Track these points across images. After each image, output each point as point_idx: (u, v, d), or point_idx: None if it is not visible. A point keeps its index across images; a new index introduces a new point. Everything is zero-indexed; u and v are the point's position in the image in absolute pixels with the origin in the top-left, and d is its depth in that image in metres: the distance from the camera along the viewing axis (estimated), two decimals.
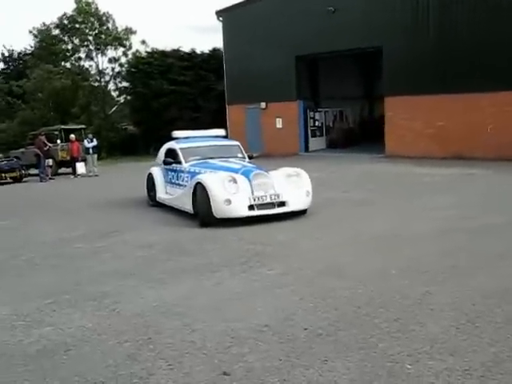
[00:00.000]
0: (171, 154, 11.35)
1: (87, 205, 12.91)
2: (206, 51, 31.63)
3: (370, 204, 10.90)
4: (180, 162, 10.89)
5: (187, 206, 9.84)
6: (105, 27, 35.30)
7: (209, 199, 8.98)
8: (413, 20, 20.16)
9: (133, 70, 30.91)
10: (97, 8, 35.63)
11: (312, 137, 25.73)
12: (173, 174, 11.17)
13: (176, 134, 11.96)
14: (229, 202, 8.94)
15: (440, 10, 19.52)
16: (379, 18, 20.70)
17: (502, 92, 18.21)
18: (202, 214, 9.23)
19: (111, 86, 38.12)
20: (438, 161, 18.60)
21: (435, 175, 15.38)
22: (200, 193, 9.19)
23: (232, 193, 9.01)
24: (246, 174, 9.45)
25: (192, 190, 9.51)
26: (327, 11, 21.58)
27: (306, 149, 25.09)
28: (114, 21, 36.17)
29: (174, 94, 29.25)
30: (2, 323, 5.08)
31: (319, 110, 26.16)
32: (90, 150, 21.44)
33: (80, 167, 21.92)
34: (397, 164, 18.73)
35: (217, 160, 10.67)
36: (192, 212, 9.68)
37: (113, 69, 37.50)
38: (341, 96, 26.87)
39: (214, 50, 31.26)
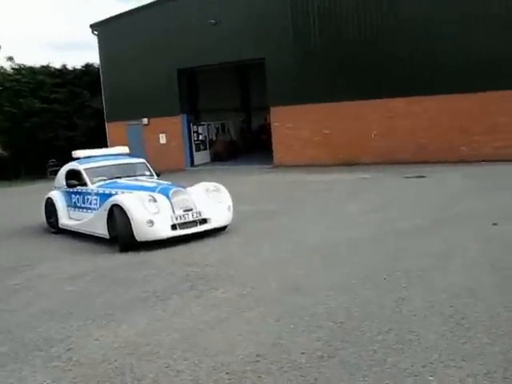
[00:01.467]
0: (73, 175, 10.48)
1: None
2: (78, 67, 30.01)
3: (286, 214, 10.78)
4: (85, 184, 10.08)
5: (100, 230, 9.06)
6: None
7: (129, 221, 8.31)
8: (295, 30, 20.59)
9: None
10: None
11: (196, 151, 25.35)
12: (77, 197, 10.31)
13: (76, 153, 11.13)
14: (151, 223, 8.35)
15: (322, 18, 20.09)
16: (261, 29, 20.92)
17: (385, 99, 19.13)
18: (121, 237, 8.49)
19: None
20: (327, 168, 19.07)
21: (332, 182, 15.72)
22: (118, 215, 8.47)
23: (153, 213, 8.42)
24: (165, 192, 8.91)
25: (107, 213, 8.77)
26: (209, 23, 21.38)
27: (192, 163, 24.66)
28: None
29: (47, 112, 27.32)
30: None
31: (202, 123, 25.85)
32: None
33: None
34: (289, 173, 18.96)
35: (126, 179, 10.05)
36: (107, 236, 8.95)
37: None
38: (220, 108, 26.81)
39: (87, 66, 29.74)
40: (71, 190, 10.42)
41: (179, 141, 24.00)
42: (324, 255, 7.32)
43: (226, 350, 4.42)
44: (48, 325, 5.39)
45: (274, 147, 21.83)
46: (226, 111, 27.64)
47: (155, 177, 10.65)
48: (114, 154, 11.43)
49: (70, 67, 30.18)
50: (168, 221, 8.50)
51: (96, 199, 9.68)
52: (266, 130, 31.46)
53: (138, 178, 10.26)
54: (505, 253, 6.72)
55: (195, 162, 24.80)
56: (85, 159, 10.77)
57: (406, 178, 14.99)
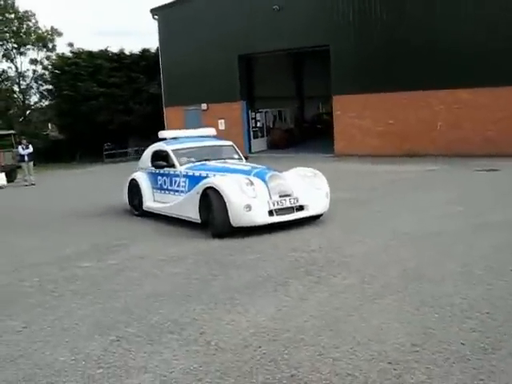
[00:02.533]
0: (160, 156, 10.25)
1: (59, 217, 11.50)
2: (136, 52, 30.16)
3: (374, 203, 10.53)
4: (173, 165, 9.79)
5: (191, 214, 8.75)
6: (25, 26, 32.74)
7: (225, 205, 8.01)
8: (359, 19, 20.16)
9: (57, 71, 28.82)
10: (14, 2, 32.81)
11: (254, 138, 25.21)
12: (164, 178, 10.05)
13: (163, 134, 10.94)
14: (249, 207, 7.98)
15: (387, 7, 19.62)
16: (325, 16, 20.56)
17: (450, 90, 18.56)
18: (216, 222, 8.15)
19: (33, 90, 35.35)
20: (391, 158, 18.64)
21: (401, 172, 15.35)
22: (214, 199, 8.16)
23: (251, 197, 8.08)
24: (261, 175, 8.58)
25: (199, 196, 8.50)
26: (272, 9, 21.12)
27: (250, 150, 24.51)
28: (36, 20, 33.67)
29: (104, 96, 27.56)
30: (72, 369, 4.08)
31: (260, 110, 25.67)
32: (26, 158, 19.54)
33: (0, 179, 19.73)
34: (354, 162, 18.61)
35: (215, 162, 9.77)
36: (198, 221, 8.65)
37: (34, 71, 34.95)
38: (276, 96, 26.62)
39: (144, 51, 29.90)
40: (157, 171, 10.18)
41: (239, 127, 23.87)
42: (430, 244, 7.05)
43: (376, 338, 4.21)
44: (169, 307, 5.27)
45: (336, 136, 21.49)
46: (281, 99, 27.47)
47: (244, 160, 10.35)
48: (202, 135, 11.08)
49: (127, 52, 30.35)
50: (265, 206, 8.14)
51: (185, 181, 9.43)
52: (321, 119, 31.27)
53: (227, 161, 9.94)
54: None
55: (253, 150, 24.65)
56: (172, 140, 10.53)
57: (477, 171, 14.51)
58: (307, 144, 26.47)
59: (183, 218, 9.11)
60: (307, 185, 8.80)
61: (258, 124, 25.52)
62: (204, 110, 24.69)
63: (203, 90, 23.88)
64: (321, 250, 7.06)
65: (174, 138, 10.62)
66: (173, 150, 10.00)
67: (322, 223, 8.78)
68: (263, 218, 8.13)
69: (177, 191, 9.63)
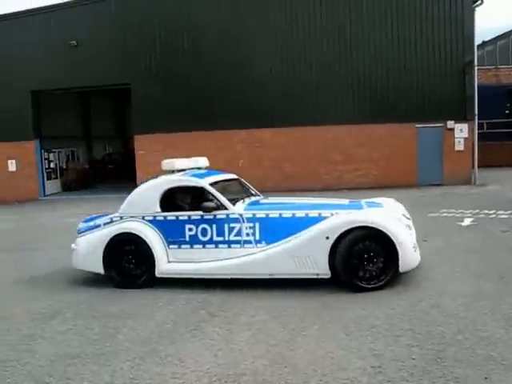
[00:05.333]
0: (184, 195, 7.73)
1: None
2: None
3: None
4: (221, 206, 7.24)
5: (308, 268, 6.63)
6: None
7: (387, 249, 6.43)
8: (162, 62, 20.51)
9: None
10: None
11: (47, 179, 23.64)
12: (203, 226, 7.27)
13: (171, 162, 8.15)
14: (415, 246, 6.77)
15: (187, 52, 20.31)
16: (127, 56, 20.45)
17: (250, 129, 19.93)
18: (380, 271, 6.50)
19: None
20: None
21: None
22: (370, 242, 6.44)
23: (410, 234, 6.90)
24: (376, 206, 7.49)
25: (331, 242, 6.49)
26: (70, 45, 20.32)
27: (44, 193, 22.92)
28: None
29: None
30: None
31: (53, 150, 24.22)
32: None
33: None
34: None
35: (277, 198, 8.19)
36: (328, 275, 6.63)
37: None
38: (68, 135, 25.48)
39: None
40: (181, 217, 7.36)
41: (32, 168, 22.16)
42: None
43: (335, 367, 4.38)
44: (91, 369, 4.76)
45: (139, 176, 21.26)
46: (73, 139, 26.45)
47: (261, 195, 8.53)
48: (201, 166, 8.73)
49: None
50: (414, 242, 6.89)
51: (253, 228, 7.11)
52: (112, 158, 30.73)
53: (256, 197, 8.23)
54: None
55: (46, 192, 23.07)
56: (190, 171, 8.12)
57: None
58: (103, 184, 25.80)
59: (258, 276, 6.92)
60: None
61: (52, 165, 24.02)
62: None
63: None
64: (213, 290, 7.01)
65: (181, 170, 8.13)
66: (211, 185, 7.49)
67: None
68: (419, 256, 6.84)
69: (236, 242, 7.15)
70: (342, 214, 6.83)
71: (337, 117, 19.38)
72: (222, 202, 7.24)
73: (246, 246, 7.08)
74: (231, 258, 7.03)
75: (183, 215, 7.35)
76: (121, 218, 7.68)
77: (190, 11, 20.24)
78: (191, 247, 7.30)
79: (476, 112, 19.09)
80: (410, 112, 19.14)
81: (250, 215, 7.18)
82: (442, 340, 4.79)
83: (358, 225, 6.43)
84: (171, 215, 7.40)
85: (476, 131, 19.52)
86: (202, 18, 20.15)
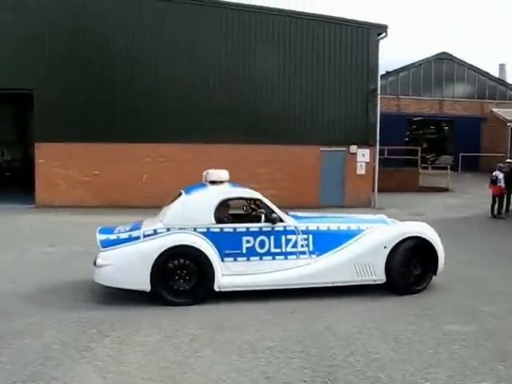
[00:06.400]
0: (226, 207, 7.65)
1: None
2: None
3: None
4: (276, 219, 7.29)
5: (366, 275, 7.29)
6: None
7: (429, 257, 7.49)
8: (68, 69, 19.74)
9: None
10: None
11: None
12: (261, 238, 7.21)
13: (220, 175, 7.87)
14: None
15: (95, 63, 19.74)
16: (31, 61, 19.50)
17: (155, 143, 19.60)
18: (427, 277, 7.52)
19: None
20: (98, 209, 18.38)
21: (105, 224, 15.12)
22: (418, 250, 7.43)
23: None
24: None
25: (388, 251, 7.26)
26: None
27: None
28: None
29: None
30: None
31: None
32: None
33: None
34: (55, 214, 17.56)
35: (304, 213, 8.43)
36: (383, 280, 7.32)
37: None
38: None
39: None
40: (238, 229, 7.17)
41: None
42: None
43: None
44: None
45: (38, 185, 20.25)
46: None
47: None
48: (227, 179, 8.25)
49: None
50: None
51: (306, 240, 7.35)
52: (10, 166, 29.15)
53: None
54: None
55: None
56: (228, 184, 7.97)
57: None
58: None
59: (337, 284, 7.27)
60: None
61: None
62: None
63: None
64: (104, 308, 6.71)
65: (213, 182, 7.81)
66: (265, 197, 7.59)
67: None
68: None
69: (293, 254, 7.28)
70: (396, 226, 7.81)
71: (242, 136, 19.55)
72: (278, 214, 7.31)
73: (301, 256, 7.27)
74: (290, 269, 7.17)
75: (241, 227, 7.18)
76: (167, 229, 7.11)
77: (97, 22, 19.73)
78: (248, 259, 7.13)
79: (378, 138, 19.96)
80: (315, 135, 19.66)
81: (304, 227, 7.39)
82: (334, 362, 4.85)
83: (409, 235, 7.34)
84: (228, 227, 7.18)
85: (377, 157, 20.42)
86: (109, 30, 19.72)
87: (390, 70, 34.88)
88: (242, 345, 5.32)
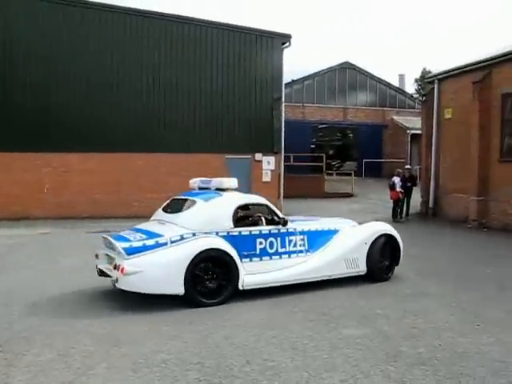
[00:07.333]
0: (248, 213, 8.40)
1: None
2: None
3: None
4: (281, 222, 8.15)
5: (350, 268, 8.50)
6: None
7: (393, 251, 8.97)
8: None
9: None
10: None
11: None
12: (271, 240, 8.00)
13: (230, 182, 8.51)
14: None
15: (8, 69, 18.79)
16: None
17: (58, 153, 18.88)
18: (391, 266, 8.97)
19: None
20: None
21: (12, 237, 14.48)
22: (386, 245, 8.85)
23: None
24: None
25: (368, 246, 8.62)
26: None
27: None
28: None
29: None
30: None
31: None
32: None
33: None
34: None
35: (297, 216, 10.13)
36: (364, 272, 8.62)
37: None
38: None
39: None
40: (253, 232, 7.83)
41: None
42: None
43: None
44: None
45: None
46: None
47: None
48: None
49: None
50: None
51: (303, 239, 8.33)
52: None
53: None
54: None
55: None
56: (234, 191, 8.51)
57: (89, 233, 15.01)
58: None
59: (333, 277, 8.36)
60: None
61: None
62: None
63: None
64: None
65: (220, 189, 8.43)
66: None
67: None
68: None
69: (294, 252, 8.19)
70: (370, 225, 9.26)
71: (148, 146, 19.32)
72: (281, 217, 8.17)
73: (299, 255, 8.19)
74: (294, 266, 8.02)
75: (255, 230, 7.86)
76: (193, 234, 7.40)
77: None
78: (260, 259, 7.80)
79: (283, 145, 20.34)
80: (220, 143, 19.79)
81: (301, 229, 8.34)
82: (230, 372, 4.83)
83: (382, 233, 8.77)
84: (245, 230, 7.78)
85: (282, 164, 20.79)
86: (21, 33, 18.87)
87: (296, 78, 35.72)
88: (138, 359, 5.19)
